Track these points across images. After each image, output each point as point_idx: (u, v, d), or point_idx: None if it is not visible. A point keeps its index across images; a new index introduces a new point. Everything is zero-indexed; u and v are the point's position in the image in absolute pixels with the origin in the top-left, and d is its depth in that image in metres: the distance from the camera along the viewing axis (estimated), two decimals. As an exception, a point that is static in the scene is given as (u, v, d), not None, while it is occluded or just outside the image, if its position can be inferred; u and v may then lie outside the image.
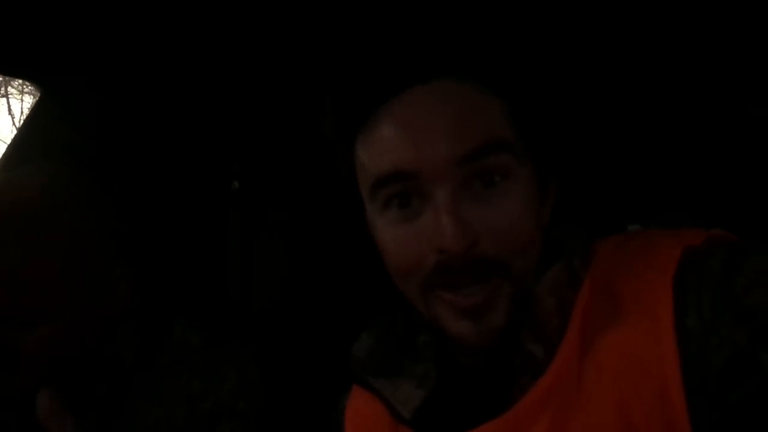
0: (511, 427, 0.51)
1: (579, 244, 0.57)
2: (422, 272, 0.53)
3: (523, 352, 0.52)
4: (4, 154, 1.05)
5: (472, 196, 0.51)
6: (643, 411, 0.46)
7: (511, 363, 0.53)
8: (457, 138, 0.50)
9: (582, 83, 0.92)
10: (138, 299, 0.80)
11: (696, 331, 0.46)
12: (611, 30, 0.91)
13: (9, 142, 1.09)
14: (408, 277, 0.55)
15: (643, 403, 0.46)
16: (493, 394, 0.54)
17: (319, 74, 0.95)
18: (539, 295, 0.54)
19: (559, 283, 0.54)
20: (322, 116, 0.59)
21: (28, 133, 1.11)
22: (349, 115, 0.55)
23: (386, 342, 0.64)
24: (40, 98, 1.11)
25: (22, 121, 1.19)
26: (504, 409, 0.51)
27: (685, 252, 0.50)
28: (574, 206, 0.61)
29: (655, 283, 0.50)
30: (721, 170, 0.98)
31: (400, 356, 0.61)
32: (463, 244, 0.49)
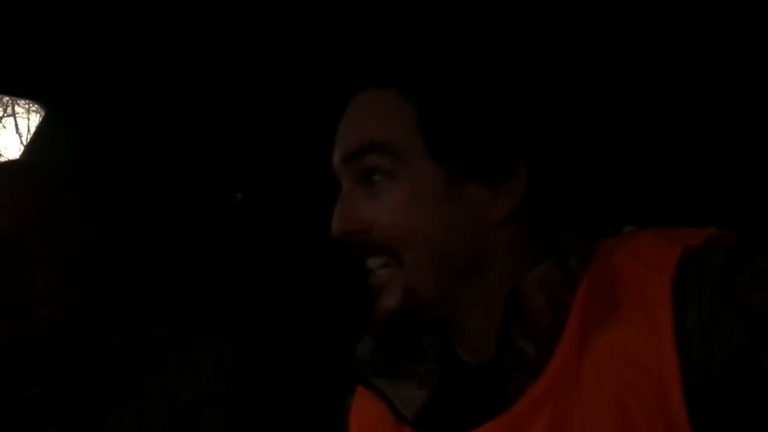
0: (511, 427, 0.51)
1: (577, 243, 0.57)
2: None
3: (514, 350, 0.53)
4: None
5: (366, 192, 0.58)
6: (642, 412, 0.46)
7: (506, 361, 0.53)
8: (346, 140, 0.59)
9: (569, 83, 0.93)
10: (121, 292, 0.85)
11: (696, 331, 0.46)
12: (596, 27, 0.91)
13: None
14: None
15: (643, 403, 0.46)
16: (493, 394, 0.54)
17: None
18: (524, 292, 0.54)
19: (551, 282, 0.54)
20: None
21: (33, 151, 1.12)
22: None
23: (389, 343, 0.64)
24: (45, 117, 1.12)
25: (28, 140, 1.21)
26: (504, 408, 0.51)
27: (684, 252, 0.50)
28: (572, 206, 0.61)
29: (655, 283, 0.49)
30: (719, 170, 0.98)
31: (403, 356, 0.62)
32: (340, 230, 0.58)
